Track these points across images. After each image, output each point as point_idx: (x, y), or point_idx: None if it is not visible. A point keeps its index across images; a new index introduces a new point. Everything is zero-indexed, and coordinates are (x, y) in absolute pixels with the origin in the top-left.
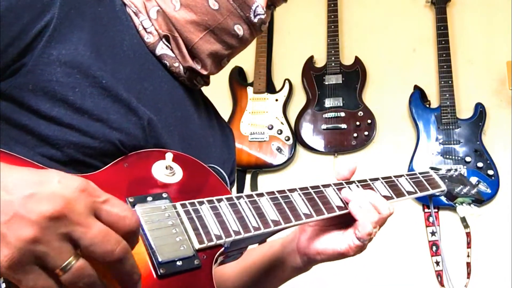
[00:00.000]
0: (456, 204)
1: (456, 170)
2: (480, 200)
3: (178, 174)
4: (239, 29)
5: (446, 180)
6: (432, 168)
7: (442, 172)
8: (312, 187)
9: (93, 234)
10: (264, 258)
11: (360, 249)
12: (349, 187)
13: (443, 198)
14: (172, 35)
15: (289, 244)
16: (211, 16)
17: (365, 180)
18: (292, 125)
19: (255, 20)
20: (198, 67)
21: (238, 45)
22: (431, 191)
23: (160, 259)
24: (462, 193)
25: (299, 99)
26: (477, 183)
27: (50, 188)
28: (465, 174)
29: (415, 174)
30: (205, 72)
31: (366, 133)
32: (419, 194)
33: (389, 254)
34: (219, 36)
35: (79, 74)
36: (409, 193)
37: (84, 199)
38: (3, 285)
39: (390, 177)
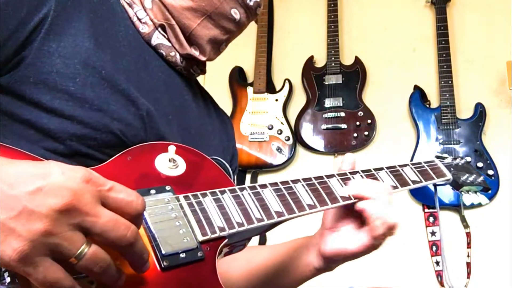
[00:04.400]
0: (462, 193)
1: (462, 158)
2: (486, 188)
3: (181, 167)
4: (236, 13)
5: (452, 169)
6: (437, 157)
7: (447, 160)
8: (316, 178)
9: (103, 222)
10: (277, 257)
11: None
12: (353, 177)
13: (442, 197)
14: (169, 23)
15: (307, 243)
16: (208, 2)
17: (369, 170)
18: (292, 125)
19: (251, 3)
20: (196, 53)
21: (236, 29)
22: (436, 180)
23: (163, 252)
24: (468, 181)
25: (299, 99)
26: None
27: (55, 180)
28: None
29: (420, 163)
30: (203, 58)
31: (366, 133)
32: (424, 183)
33: (389, 254)
34: (216, 21)
35: (79, 65)
36: (414, 182)
37: (90, 189)
38: (8, 278)
39: (394, 167)
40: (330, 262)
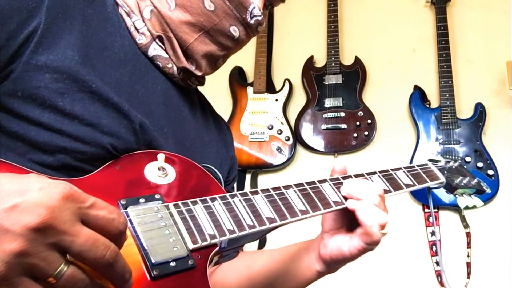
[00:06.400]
0: (457, 196)
1: (455, 161)
2: (481, 191)
3: (171, 175)
4: (235, 31)
5: (445, 172)
6: (430, 160)
7: (441, 164)
8: (308, 183)
9: (81, 241)
10: (278, 261)
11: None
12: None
13: (442, 197)
14: (166, 35)
15: (308, 246)
16: (206, 17)
17: (362, 174)
18: (292, 125)
19: (252, 21)
20: (192, 68)
21: (234, 46)
22: (429, 183)
23: (153, 261)
24: (462, 184)
25: (299, 99)
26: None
27: (32, 197)
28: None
29: (413, 166)
30: (199, 73)
31: (366, 133)
32: (418, 187)
33: (389, 254)
34: (214, 37)
35: (68, 79)
36: (407, 186)
37: (69, 206)
38: None
39: (387, 171)
40: (331, 265)
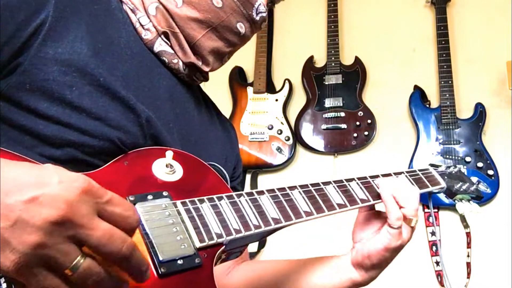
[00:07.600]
0: (456, 201)
1: (455, 166)
2: (479, 197)
3: (178, 172)
4: (242, 27)
5: (446, 177)
6: (431, 165)
7: (441, 169)
8: (312, 185)
9: (99, 235)
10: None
11: (400, 236)
12: (349, 184)
13: (442, 197)
14: (172, 31)
15: (330, 261)
16: (214, 14)
17: (365, 177)
18: (292, 125)
19: (257, 18)
20: (199, 63)
21: (239, 43)
22: (430, 188)
23: (160, 258)
24: (462, 190)
25: (299, 99)
26: (477, 183)
27: (51, 190)
28: (465, 173)
29: (415, 171)
30: (207, 69)
31: (366, 133)
32: (419, 192)
33: None
34: (221, 33)
35: (76, 73)
36: None
37: (87, 200)
38: (4, 284)
39: (390, 174)
40: (368, 268)
